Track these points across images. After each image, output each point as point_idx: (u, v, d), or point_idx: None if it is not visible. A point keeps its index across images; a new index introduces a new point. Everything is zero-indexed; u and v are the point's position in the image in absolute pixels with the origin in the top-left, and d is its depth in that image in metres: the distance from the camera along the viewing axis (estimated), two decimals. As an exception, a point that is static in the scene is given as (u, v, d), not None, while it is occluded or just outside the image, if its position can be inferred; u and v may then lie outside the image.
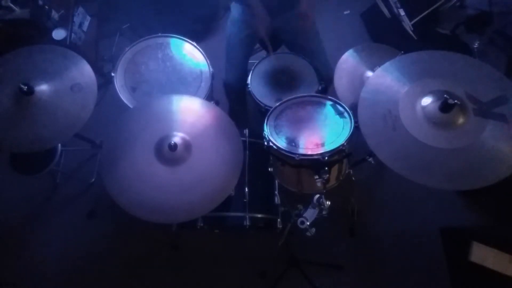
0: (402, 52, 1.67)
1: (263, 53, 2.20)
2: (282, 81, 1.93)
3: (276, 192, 1.76)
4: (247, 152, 1.72)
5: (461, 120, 1.25)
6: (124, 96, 1.75)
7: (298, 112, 1.61)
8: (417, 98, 1.32)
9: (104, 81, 2.58)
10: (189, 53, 1.87)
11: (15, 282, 2.15)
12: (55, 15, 2.32)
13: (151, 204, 1.34)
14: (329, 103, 1.60)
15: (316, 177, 1.45)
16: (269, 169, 1.66)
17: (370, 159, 1.66)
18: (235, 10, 1.86)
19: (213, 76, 1.82)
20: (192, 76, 1.82)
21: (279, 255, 1.97)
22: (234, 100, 2.23)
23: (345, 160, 1.58)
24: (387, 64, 1.43)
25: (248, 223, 1.62)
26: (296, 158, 1.43)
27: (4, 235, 2.28)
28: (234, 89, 2.04)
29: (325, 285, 2.05)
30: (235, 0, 1.85)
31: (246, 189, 1.66)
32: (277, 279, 2.02)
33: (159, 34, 1.88)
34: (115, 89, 1.76)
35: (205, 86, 1.79)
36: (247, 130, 1.80)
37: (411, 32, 2.37)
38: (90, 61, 1.63)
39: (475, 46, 2.42)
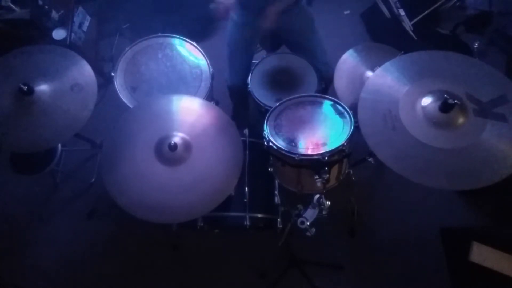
0: (402, 52, 1.67)
1: (263, 53, 2.20)
2: (282, 81, 1.93)
3: (276, 192, 1.76)
4: (247, 152, 1.72)
5: (461, 120, 1.25)
6: (124, 96, 1.75)
7: (298, 112, 1.61)
8: (417, 98, 1.32)
9: (104, 81, 2.58)
10: (189, 53, 1.87)
11: (16, 282, 2.15)
12: (55, 15, 2.32)
13: (151, 204, 1.34)
14: (329, 103, 1.60)
15: (316, 177, 1.45)
16: (269, 169, 1.66)
17: (370, 159, 1.66)
18: (234, 13, 1.86)
19: (213, 76, 1.82)
20: (192, 76, 1.82)
21: (279, 255, 1.97)
22: (237, 101, 2.22)
23: (345, 160, 1.58)
24: (387, 64, 1.43)
25: (248, 223, 1.62)
26: (296, 158, 1.43)
27: (4, 235, 2.28)
28: (239, 91, 2.04)
29: (325, 285, 2.05)
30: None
31: (246, 189, 1.66)
32: (277, 279, 2.02)
33: (159, 34, 1.88)
34: (115, 89, 1.76)
35: (205, 86, 1.79)
36: (247, 130, 1.80)
37: (411, 32, 2.38)
38: (90, 61, 1.63)
39: (475, 46, 2.42)
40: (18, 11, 2.19)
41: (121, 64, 1.82)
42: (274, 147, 1.49)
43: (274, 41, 2.09)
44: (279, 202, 1.74)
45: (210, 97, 1.87)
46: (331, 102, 1.59)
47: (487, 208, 2.19)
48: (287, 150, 1.45)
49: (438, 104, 1.25)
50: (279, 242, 1.70)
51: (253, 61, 2.03)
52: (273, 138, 1.51)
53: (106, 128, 1.55)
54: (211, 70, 1.83)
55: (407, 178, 1.20)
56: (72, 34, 2.38)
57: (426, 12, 2.42)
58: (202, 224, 1.63)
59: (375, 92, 1.37)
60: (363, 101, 1.37)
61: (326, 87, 1.97)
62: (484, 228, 2.14)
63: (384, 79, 1.39)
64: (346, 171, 1.65)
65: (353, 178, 1.90)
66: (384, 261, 2.11)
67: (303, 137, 1.51)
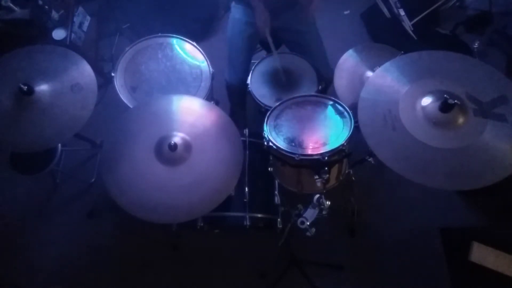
0: (402, 52, 1.67)
1: (263, 53, 2.20)
2: (282, 81, 1.93)
3: (276, 192, 1.76)
4: (247, 152, 1.72)
5: (461, 120, 1.25)
6: (124, 96, 1.75)
7: (298, 112, 1.61)
8: (417, 98, 1.32)
9: (104, 81, 2.58)
10: (189, 53, 1.87)
11: (15, 282, 2.15)
12: (55, 15, 2.32)
13: (151, 204, 1.34)
14: (329, 103, 1.60)
15: (316, 177, 1.45)
16: (269, 169, 1.66)
17: (370, 159, 1.66)
18: (236, 11, 1.86)
19: (213, 76, 1.82)
20: (192, 76, 1.82)
21: (279, 255, 1.97)
22: (235, 101, 2.22)
23: (345, 160, 1.58)
24: (387, 64, 1.43)
25: (248, 223, 1.62)
26: (296, 158, 1.43)
27: (4, 235, 2.28)
28: (237, 91, 2.04)
29: (325, 285, 2.05)
30: (235, 1, 1.85)
31: (246, 189, 1.65)
32: (277, 279, 2.02)
33: (159, 34, 1.88)
34: (115, 89, 1.76)
35: (205, 86, 1.79)
36: (247, 130, 1.80)
37: (411, 32, 2.37)
38: (90, 61, 1.63)
39: (475, 46, 2.42)
40: (18, 11, 2.19)
41: (121, 64, 1.82)
42: (274, 147, 1.49)
43: (274, 41, 2.09)
44: (279, 202, 1.74)
45: (210, 97, 1.87)
46: (331, 102, 1.59)
47: (487, 208, 2.19)
48: (287, 150, 1.45)
49: (438, 104, 1.25)
50: (279, 242, 1.70)
51: (253, 61, 2.03)
52: (273, 138, 1.51)
53: (106, 128, 1.55)
54: (211, 70, 1.83)
55: (407, 178, 1.20)
56: (72, 34, 2.38)
57: (426, 12, 2.42)
58: (202, 224, 1.63)
59: (375, 92, 1.37)
60: (363, 101, 1.37)
61: (325, 87, 1.97)
62: (484, 228, 2.14)
63: (384, 79, 1.39)
64: (346, 171, 1.65)
65: (353, 178, 1.90)
66: (384, 261, 2.11)
67: (303, 137, 1.51)
